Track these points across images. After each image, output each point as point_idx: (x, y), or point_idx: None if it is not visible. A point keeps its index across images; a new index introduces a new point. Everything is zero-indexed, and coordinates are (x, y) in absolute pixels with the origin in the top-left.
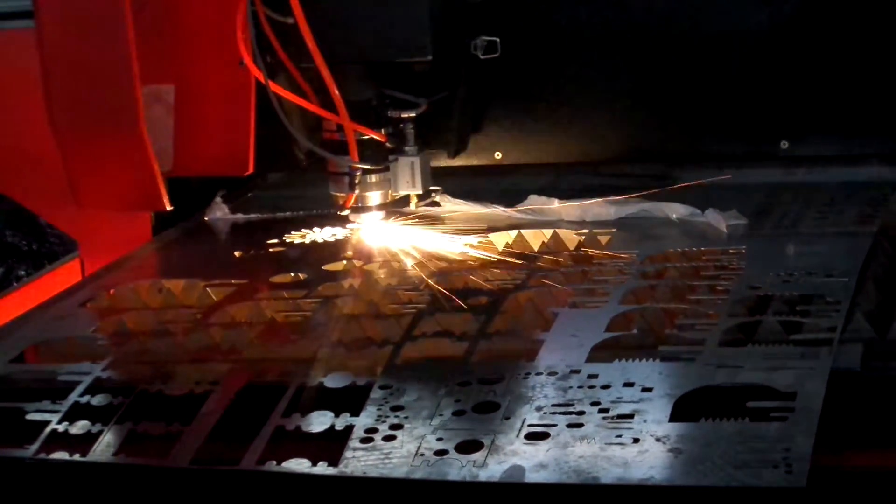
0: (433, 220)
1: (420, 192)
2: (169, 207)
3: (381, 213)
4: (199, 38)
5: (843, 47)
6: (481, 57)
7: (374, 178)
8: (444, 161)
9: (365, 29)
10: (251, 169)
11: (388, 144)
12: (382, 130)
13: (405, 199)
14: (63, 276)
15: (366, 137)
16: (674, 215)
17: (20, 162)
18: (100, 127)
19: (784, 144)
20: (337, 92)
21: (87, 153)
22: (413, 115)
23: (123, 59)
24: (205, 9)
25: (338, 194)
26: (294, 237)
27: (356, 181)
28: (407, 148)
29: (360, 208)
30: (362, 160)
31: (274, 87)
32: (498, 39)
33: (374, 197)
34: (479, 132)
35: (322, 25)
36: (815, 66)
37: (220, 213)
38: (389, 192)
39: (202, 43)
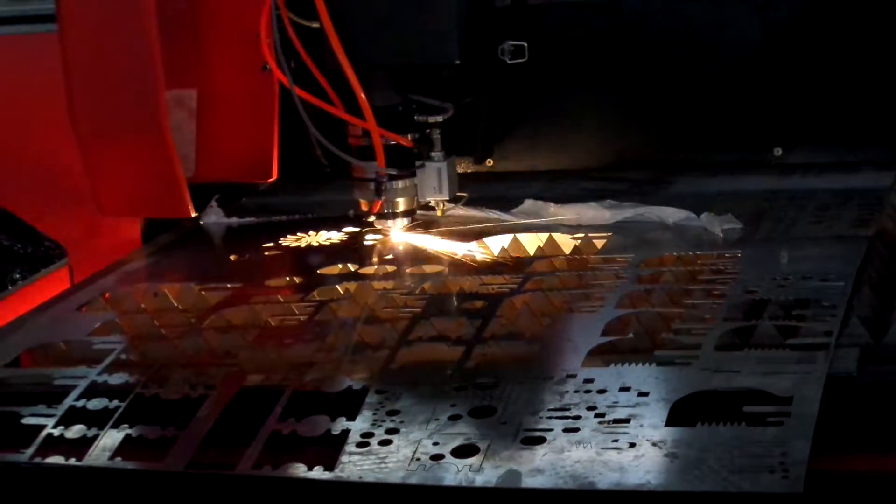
0: (430, 224)
1: (447, 198)
2: (193, 214)
3: (407, 220)
4: (222, 43)
5: (836, 54)
6: (509, 62)
7: (400, 184)
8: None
9: (391, 33)
10: (275, 175)
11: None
12: (409, 136)
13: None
14: (52, 284)
15: (392, 143)
16: (669, 219)
17: (4, 168)
18: (123, 131)
19: (777, 151)
20: (363, 96)
21: (110, 158)
22: (440, 119)
23: (148, 61)
24: (228, 13)
25: (362, 200)
26: (290, 241)
27: (383, 187)
28: (433, 154)
29: (386, 215)
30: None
31: (299, 92)
32: (526, 44)
33: (400, 203)
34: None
35: (347, 30)
36: (808, 72)
37: (215, 216)
38: (415, 198)
39: (225, 47)
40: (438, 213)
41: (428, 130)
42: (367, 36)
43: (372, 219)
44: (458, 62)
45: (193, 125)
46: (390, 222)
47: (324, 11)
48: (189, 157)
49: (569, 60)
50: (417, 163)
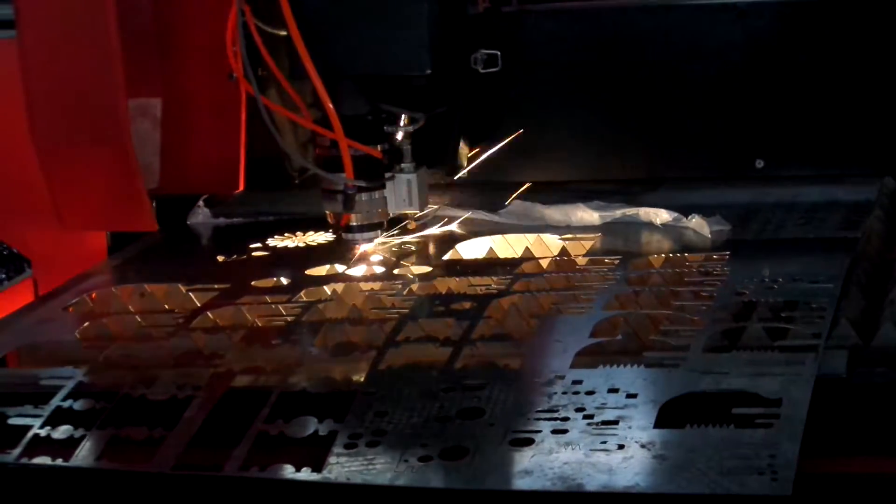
0: (418, 225)
1: (417, 210)
2: (155, 227)
3: (377, 233)
4: (188, 51)
5: (818, 64)
6: (481, 71)
7: (368, 196)
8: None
9: (361, 41)
10: (241, 186)
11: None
12: (378, 147)
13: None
14: (15, 296)
15: (361, 154)
16: (658, 220)
17: None
18: (84, 142)
19: (759, 163)
20: (331, 106)
21: (71, 170)
22: (410, 130)
23: (109, 71)
24: (194, 20)
25: (330, 212)
26: (277, 241)
27: (352, 199)
28: (404, 165)
29: (354, 228)
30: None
31: (265, 101)
32: (499, 53)
33: (368, 215)
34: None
35: (316, 38)
36: (790, 82)
37: (202, 216)
38: (385, 210)
39: (191, 55)
40: (410, 225)
41: (398, 141)
42: (336, 44)
43: (310, 234)
44: (429, 72)
45: (158, 135)
46: (358, 235)
47: (291, 19)
48: (153, 168)
49: (547, 69)
50: (387, 174)
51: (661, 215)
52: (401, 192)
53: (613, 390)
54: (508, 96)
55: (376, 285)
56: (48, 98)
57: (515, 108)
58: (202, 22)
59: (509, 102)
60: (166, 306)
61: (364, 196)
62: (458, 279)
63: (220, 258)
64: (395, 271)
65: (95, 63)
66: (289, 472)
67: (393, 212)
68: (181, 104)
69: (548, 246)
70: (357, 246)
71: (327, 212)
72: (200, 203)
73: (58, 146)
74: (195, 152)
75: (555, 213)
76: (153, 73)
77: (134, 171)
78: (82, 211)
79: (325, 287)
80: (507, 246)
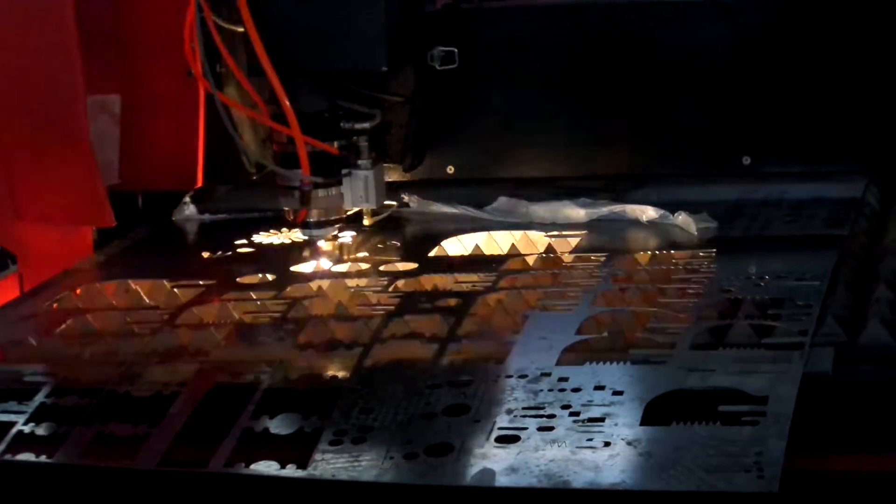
0: (401, 222)
1: (374, 206)
2: (114, 223)
3: (333, 229)
4: (147, 47)
5: (806, 59)
6: (438, 68)
7: (324, 192)
8: (395, 175)
9: (318, 38)
10: (199, 182)
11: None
12: (335, 143)
13: (358, 214)
14: (1, 292)
15: (318, 150)
16: (644, 218)
17: None
18: (43, 138)
19: (746, 160)
20: (287, 103)
21: (30, 165)
22: (367, 126)
23: (68, 67)
24: (152, 17)
25: (287, 209)
26: (262, 237)
27: (308, 196)
28: (360, 161)
29: (311, 223)
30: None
31: (222, 97)
32: (456, 50)
33: (325, 212)
34: (431, 146)
35: (273, 34)
36: (777, 79)
37: (187, 212)
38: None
39: (150, 52)
40: (366, 221)
41: (355, 137)
42: (293, 41)
43: (296, 231)
44: (385, 69)
45: (117, 131)
46: (315, 231)
47: (247, 15)
48: (113, 164)
49: (531, 65)
50: (344, 171)
51: (648, 212)
52: (358, 188)
53: (599, 387)
54: (478, 93)
55: (362, 282)
56: (6, 94)
57: (487, 105)
58: (160, 18)
59: (482, 99)
60: (151, 302)
61: (321, 192)
62: (443, 276)
63: (206, 254)
64: (381, 267)
65: (54, 59)
66: (274, 468)
67: (349, 208)
68: (142, 100)
69: (534, 243)
70: (315, 241)
71: (285, 208)
72: (186, 199)
73: (16, 141)
74: (154, 149)
75: (541, 209)
76: (112, 70)
77: (92, 167)
78: (41, 205)
79: (310, 283)
80: (493, 243)
